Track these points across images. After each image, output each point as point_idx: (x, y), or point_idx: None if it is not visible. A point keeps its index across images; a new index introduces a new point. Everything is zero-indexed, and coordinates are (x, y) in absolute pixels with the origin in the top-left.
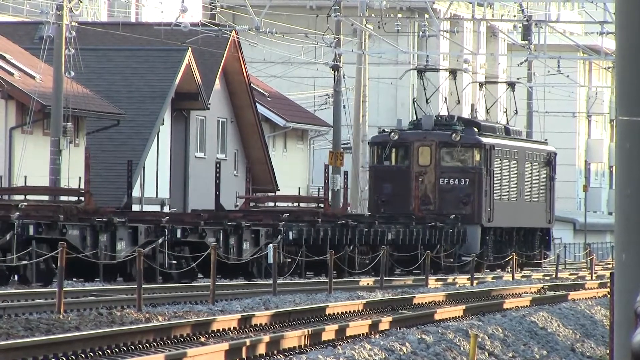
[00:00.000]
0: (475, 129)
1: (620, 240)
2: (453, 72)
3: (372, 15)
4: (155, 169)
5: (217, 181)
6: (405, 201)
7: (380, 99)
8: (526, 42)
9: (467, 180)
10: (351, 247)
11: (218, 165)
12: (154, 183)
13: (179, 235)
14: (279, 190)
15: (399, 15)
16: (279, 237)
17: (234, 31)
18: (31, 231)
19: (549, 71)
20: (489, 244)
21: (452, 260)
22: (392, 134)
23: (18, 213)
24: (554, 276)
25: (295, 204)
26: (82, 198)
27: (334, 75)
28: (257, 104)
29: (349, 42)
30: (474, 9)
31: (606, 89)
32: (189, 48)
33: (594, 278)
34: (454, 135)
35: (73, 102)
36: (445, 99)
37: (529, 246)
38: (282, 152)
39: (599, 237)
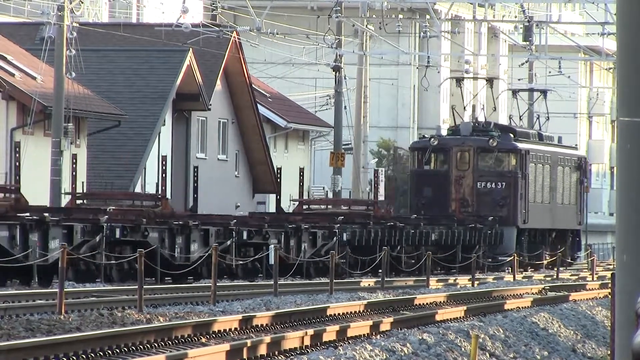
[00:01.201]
0: (511, 135)
1: (621, 241)
2: (490, 81)
3: (373, 16)
4: (157, 169)
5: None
6: (444, 203)
7: (381, 100)
8: (527, 42)
9: (504, 183)
10: (398, 248)
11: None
12: (154, 184)
13: (244, 237)
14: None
15: (400, 16)
16: (334, 238)
17: (235, 32)
18: (117, 234)
19: (550, 72)
20: (524, 244)
21: (490, 260)
22: (432, 139)
23: (107, 216)
24: (555, 277)
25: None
26: (159, 203)
27: (335, 76)
28: (258, 105)
29: (350, 42)
30: (475, 10)
31: (607, 89)
32: (190, 49)
33: (595, 279)
34: (491, 140)
35: (74, 103)
36: (483, 106)
37: (560, 247)
38: (283, 153)
39: (600, 238)
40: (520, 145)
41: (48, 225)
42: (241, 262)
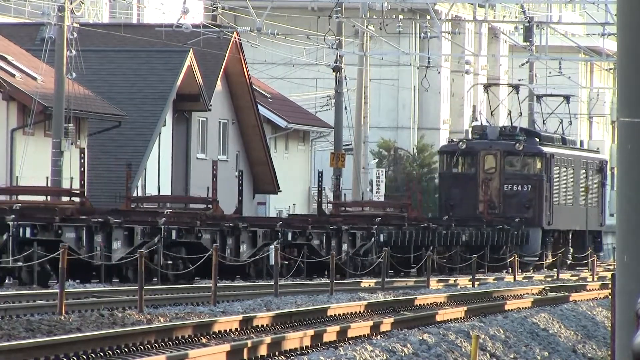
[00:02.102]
0: (537, 139)
1: (622, 242)
2: (516, 87)
3: (374, 16)
4: (157, 170)
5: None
6: (472, 205)
7: (382, 100)
8: (527, 43)
9: (530, 186)
10: (430, 248)
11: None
12: (155, 184)
13: (289, 238)
14: (280, 191)
15: (401, 17)
16: (372, 239)
17: (235, 32)
18: (174, 235)
19: (550, 72)
20: (548, 245)
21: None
22: (460, 143)
23: (164, 219)
24: (555, 277)
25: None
26: (209, 206)
27: (336, 76)
28: (258, 105)
29: (350, 43)
30: (476, 10)
31: (607, 90)
32: (191, 49)
33: (595, 279)
34: (517, 145)
35: (74, 103)
36: (509, 111)
37: (583, 247)
38: (283, 154)
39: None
40: (546, 149)
41: (111, 227)
42: (286, 263)
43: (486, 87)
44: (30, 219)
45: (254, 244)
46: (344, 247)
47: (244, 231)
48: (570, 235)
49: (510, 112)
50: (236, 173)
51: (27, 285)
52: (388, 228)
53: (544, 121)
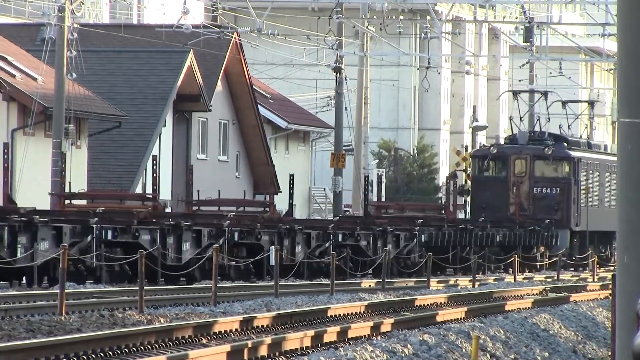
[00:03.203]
0: (565, 144)
1: (622, 242)
2: (544, 94)
3: (374, 17)
4: (157, 170)
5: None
6: (503, 207)
7: (382, 101)
8: (528, 43)
9: (558, 189)
10: (467, 248)
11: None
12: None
13: (340, 239)
14: (280, 191)
15: (401, 17)
16: (415, 240)
17: (235, 33)
18: (236, 237)
19: (550, 73)
20: (576, 245)
21: (545, 260)
22: (492, 148)
23: (228, 222)
24: (555, 278)
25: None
26: (267, 209)
27: (336, 77)
28: (258, 106)
29: (350, 44)
30: (476, 11)
31: (608, 90)
32: (191, 50)
33: (595, 280)
34: (546, 149)
35: (75, 103)
36: (538, 117)
37: (609, 247)
38: (283, 154)
39: None
40: (573, 153)
41: (182, 229)
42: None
43: (516, 94)
44: (111, 222)
45: (309, 245)
46: (389, 247)
47: (300, 233)
48: (597, 236)
49: (539, 117)
50: (290, 176)
51: (110, 284)
52: (429, 229)
53: (569, 126)
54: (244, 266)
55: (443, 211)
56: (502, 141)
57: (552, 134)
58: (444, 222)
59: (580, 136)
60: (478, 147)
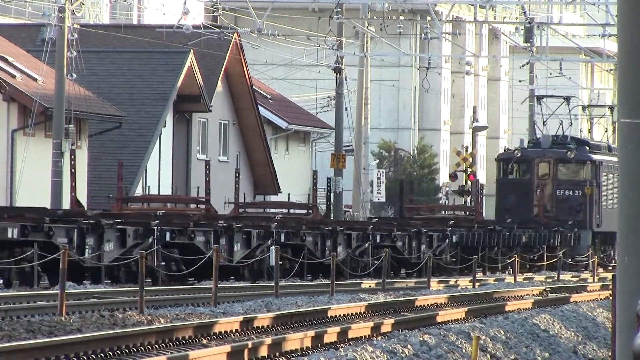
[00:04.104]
0: (587, 147)
1: (623, 243)
2: (567, 99)
3: (374, 17)
4: (157, 171)
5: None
6: (526, 209)
7: (382, 101)
8: (528, 44)
9: (580, 191)
10: (495, 249)
11: (315, 175)
12: (155, 185)
13: (377, 240)
14: (280, 192)
15: (401, 18)
16: (447, 240)
17: (236, 33)
18: (283, 238)
19: (550, 73)
20: (597, 246)
21: (569, 260)
22: (516, 151)
23: (276, 223)
24: (556, 278)
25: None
26: (310, 211)
27: (336, 77)
28: (259, 106)
29: (351, 44)
30: (476, 11)
31: (608, 91)
32: (191, 50)
33: (596, 280)
34: (569, 153)
35: (75, 104)
36: (561, 121)
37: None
38: (284, 155)
39: None
40: (595, 157)
41: (233, 231)
42: (376, 262)
43: (539, 98)
44: (169, 224)
45: (349, 245)
46: (422, 247)
47: (341, 234)
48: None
49: (562, 122)
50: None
51: (167, 283)
52: (460, 230)
53: (589, 130)
54: (290, 265)
55: (467, 212)
56: (526, 145)
57: (574, 137)
58: (474, 223)
59: (601, 140)
60: (502, 151)
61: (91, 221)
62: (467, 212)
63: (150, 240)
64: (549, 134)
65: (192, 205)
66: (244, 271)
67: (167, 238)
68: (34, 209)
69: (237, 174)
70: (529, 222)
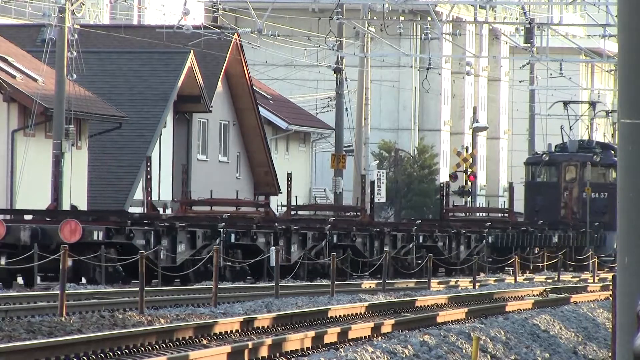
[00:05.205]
0: (612, 152)
1: (623, 243)
2: (593, 104)
3: (375, 17)
4: (158, 171)
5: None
6: (554, 211)
7: (383, 102)
8: (528, 44)
9: (606, 193)
10: (527, 249)
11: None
12: (156, 186)
13: (421, 240)
14: (281, 192)
15: (402, 18)
16: (483, 241)
17: (236, 34)
18: (335, 239)
19: (551, 74)
20: None
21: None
22: (544, 155)
23: (329, 226)
24: (556, 279)
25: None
26: (359, 213)
27: (336, 77)
28: (259, 107)
29: (351, 44)
30: (476, 12)
31: (608, 91)
32: (191, 51)
33: (596, 281)
34: (594, 156)
35: (75, 104)
36: (587, 126)
37: None
38: (284, 155)
39: None
40: None
41: (291, 233)
42: (420, 262)
43: (566, 104)
44: (233, 226)
45: (395, 246)
46: (461, 247)
47: (387, 235)
48: None
49: (588, 127)
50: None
51: (232, 281)
52: (495, 231)
53: (612, 134)
54: (341, 265)
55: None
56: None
57: (599, 142)
58: (508, 224)
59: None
60: (531, 155)
61: (166, 224)
62: (502, 214)
63: (217, 241)
64: (575, 138)
65: (244, 209)
66: (298, 269)
67: (232, 239)
68: (115, 212)
69: (289, 178)
70: (559, 223)
